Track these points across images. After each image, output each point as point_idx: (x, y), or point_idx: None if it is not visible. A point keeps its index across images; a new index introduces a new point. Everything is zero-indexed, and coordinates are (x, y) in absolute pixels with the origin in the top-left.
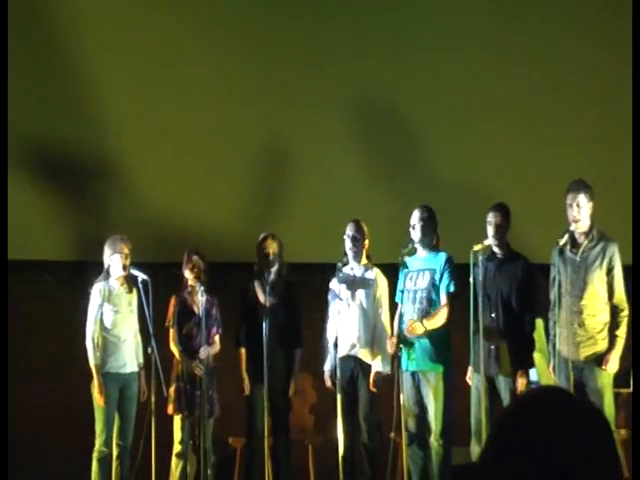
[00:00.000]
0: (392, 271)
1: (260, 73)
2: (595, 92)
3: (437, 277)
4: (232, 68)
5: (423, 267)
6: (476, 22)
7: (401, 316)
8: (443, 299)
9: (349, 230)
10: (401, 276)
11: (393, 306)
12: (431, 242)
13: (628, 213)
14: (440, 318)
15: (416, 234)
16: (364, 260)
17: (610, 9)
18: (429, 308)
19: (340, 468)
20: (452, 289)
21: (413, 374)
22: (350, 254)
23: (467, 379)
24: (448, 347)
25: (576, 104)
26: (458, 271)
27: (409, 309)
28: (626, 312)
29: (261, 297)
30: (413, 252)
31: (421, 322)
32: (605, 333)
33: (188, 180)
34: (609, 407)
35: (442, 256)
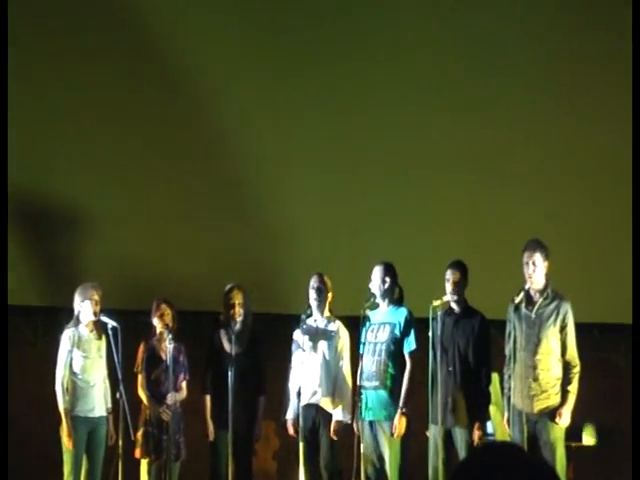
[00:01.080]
0: (353, 323)
1: (233, 125)
2: (551, 150)
3: (397, 331)
4: (203, 115)
5: (384, 320)
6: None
7: (362, 367)
8: (407, 358)
9: (313, 282)
10: (363, 329)
11: (355, 357)
12: (392, 297)
13: (582, 270)
14: (409, 380)
15: (377, 289)
16: (327, 312)
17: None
18: (387, 360)
19: None
20: (414, 347)
21: (371, 423)
22: (314, 305)
23: (427, 433)
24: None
25: (533, 162)
26: (417, 325)
27: (368, 361)
28: (578, 368)
29: (227, 346)
30: (375, 306)
31: (402, 414)
32: (558, 388)
33: (158, 231)
34: (560, 459)
35: (403, 311)
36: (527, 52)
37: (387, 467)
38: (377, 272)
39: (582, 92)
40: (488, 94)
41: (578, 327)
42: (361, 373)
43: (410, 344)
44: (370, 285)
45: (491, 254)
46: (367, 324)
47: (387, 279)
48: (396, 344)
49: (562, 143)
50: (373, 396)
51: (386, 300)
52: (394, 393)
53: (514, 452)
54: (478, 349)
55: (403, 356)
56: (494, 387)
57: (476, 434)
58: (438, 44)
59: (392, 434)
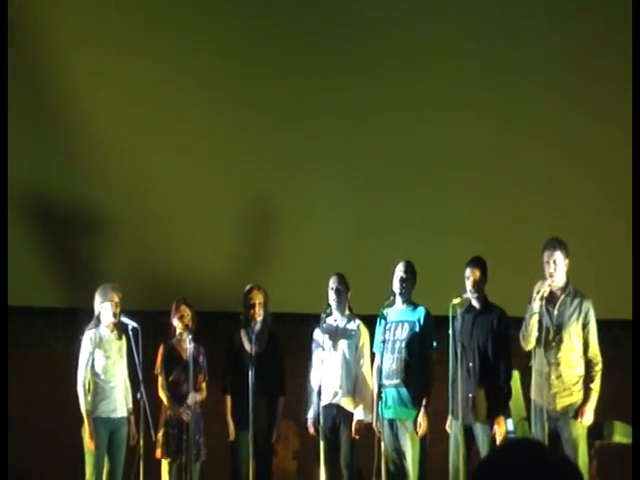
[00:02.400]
0: (372, 322)
1: (250, 130)
2: (573, 148)
3: (417, 329)
4: (223, 123)
5: (402, 319)
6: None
7: (380, 365)
8: (428, 356)
9: (332, 283)
10: (379, 327)
11: (373, 356)
12: (409, 296)
13: (602, 266)
14: (431, 377)
15: (398, 287)
16: (347, 311)
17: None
18: (408, 358)
19: None
20: (435, 344)
21: (391, 422)
22: (333, 305)
23: (447, 427)
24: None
25: (551, 160)
26: (436, 323)
27: (388, 359)
28: (600, 366)
29: (247, 346)
30: (392, 304)
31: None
32: (580, 385)
33: (178, 232)
34: (583, 457)
35: (421, 310)
36: (549, 51)
37: (409, 465)
38: (399, 268)
39: (601, 88)
40: (506, 93)
41: (600, 324)
42: (380, 371)
43: (430, 341)
44: (394, 281)
45: (510, 251)
46: (383, 322)
47: (407, 276)
48: (416, 342)
49: (581, 140)
50: (394, 394)
51: (403, 298)
52: (415, 390)
53: (536, 449)
54: (497, 344)
55: (423, 353)
56: (514, 384)
57: (498, 430)
58: (454, 43)
59: (415, 432)
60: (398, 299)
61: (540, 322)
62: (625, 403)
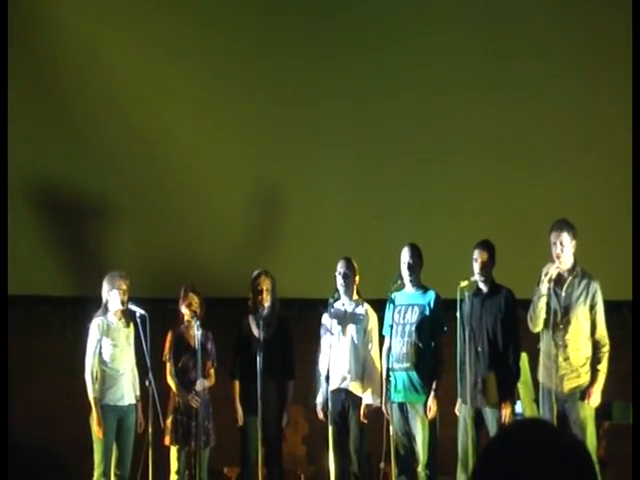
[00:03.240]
0: (380, 306)
1: (256, 115)
2: (581, 130)
3: (427, 312)
4: (228, 111)
5: (411, 302)
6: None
7: (389, 349)
8: (438, 339)
9: (340, 267)
10: (388, 311)
11: (380, 340)
12: (418, 279)
13: (610, 247)
14: (441, 361)
15: (406, 274)
16: (355, 296)
17: (606, 53)
18: (418, 341)
19: None
20: (445, 328)
21: (401, 406)
22: (341, 290)
23: (455, 411)
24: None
25: (561, 142)
26: (444, 306)
27: (398, 342)
28: (607, 347)
29: (255, 331)
30: (401, 288)
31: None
32: (587, 367)
33: (185, 219)
34: (591, 438)
35: (431, 294)
36: (555, 32)
37: (419, 448)
38: (404, 253)
39: (611, 72)
40: (510, 76)
41: (607, 305)
42: (389, 355)
43: (441, 325)
44: (399, 266)
45: (518, 233)
46: (392, 306)
47: (414, 260)
48: (426, 325)
49: (589, 122)
50: (404, 378)
51: (412, 282)
52: (425, 374)
53: (545, 429)
54: (505, 324)
55: (433, 337)
56: (523, 366)
57: (505, 412)
58: (457, 25)
59: (426, 415)
60: (408, 283)
61: (548, 304)
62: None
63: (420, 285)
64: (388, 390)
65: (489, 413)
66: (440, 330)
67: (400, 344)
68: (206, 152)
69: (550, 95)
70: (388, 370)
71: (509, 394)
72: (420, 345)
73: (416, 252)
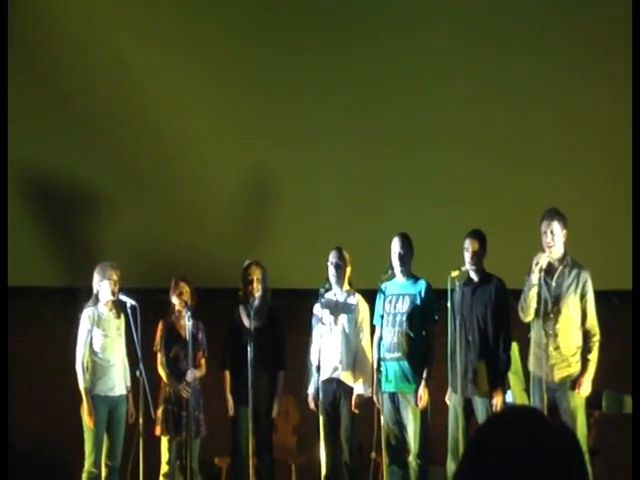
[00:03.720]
0: (371, 296)
1: (247, 105)
2: (573, 117)
3: (418, 302)
4: (219, 102)
5: (402, 292)
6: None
7: (380, 339)
8: (429, 329)
9: (332, 257)
10: (379, 301)
11: (371, 330)
12: (409, 269)
13: (601, 237)
14: (432, 350)
15: (397, 264)
16: (346, 286)
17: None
18: (409, 331)
19: None
20: (436, 317)
21: (392, 395)
22: (333, 280)
23: (446, 399)
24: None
25: (553, 134)
26: (435, 295)
27: (389, 332)
28: (597, 337)
29: (246, 321)
30: (392, 277)
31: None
32: (578, 357)
33: (176, 209)
34: (581, 427)
35: (422, 283)
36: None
37: (410, 438)
38: (395, 243)
39: (603, 61)
40: (504, 62)
41: (597, 295)
42: (380, 345)
43: (432, 315)
44: (392, 255)
45: (509, 223)
46: (383, 296)
47: (404, 250)
48: (417, 315)
49: (581, 109)
50: (395, 367)
51: (403, 271)
52: (416, 364)
53: (534, 416)
54: (496, 313)
55: (424, 326)
56: (514, 355)
57: (496, 401)
58: (452, 12)
59: (416, 404)
60: (398, 273)
61: (539, 294)
62: (624, 373)
63: (411, 275)
64: (379, 380)
65: (479, 403)
66: (431, 319)
67: (391, 334)
68: (197, 143)
69: (543, 83)
70: (379, 360)
71: (500, 383)
72: (411, 335)
73: (407, 242)
